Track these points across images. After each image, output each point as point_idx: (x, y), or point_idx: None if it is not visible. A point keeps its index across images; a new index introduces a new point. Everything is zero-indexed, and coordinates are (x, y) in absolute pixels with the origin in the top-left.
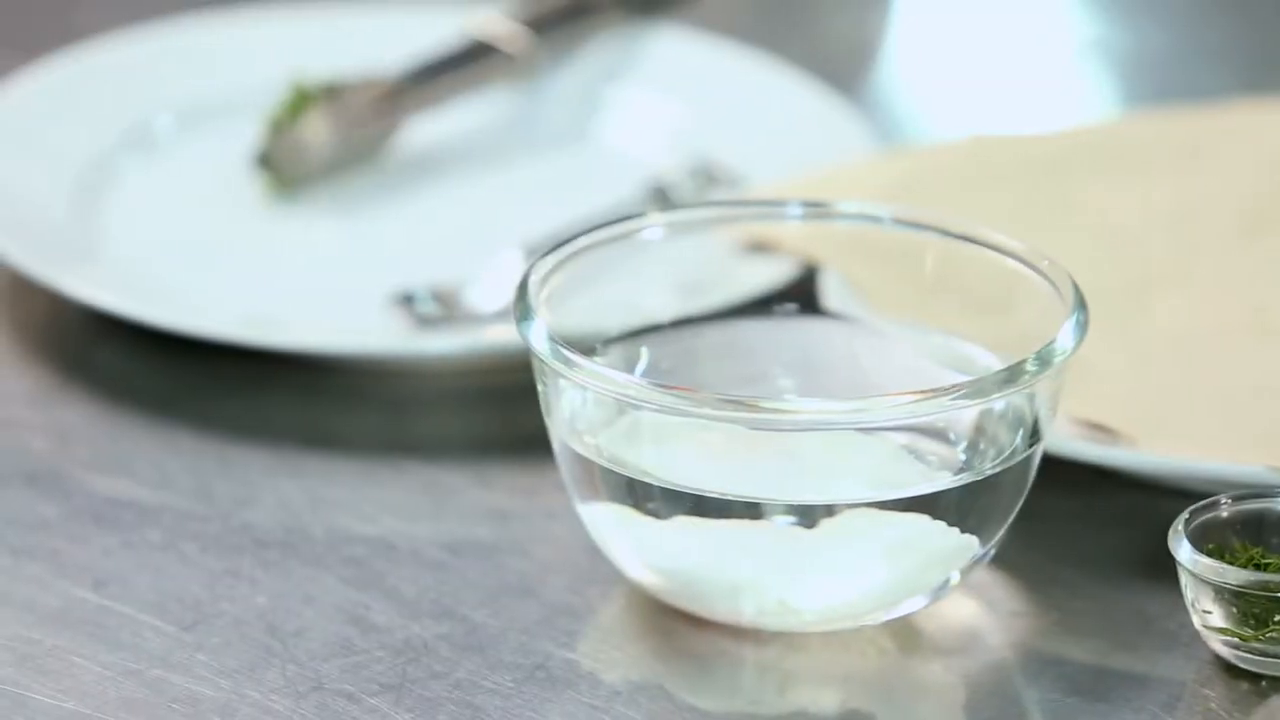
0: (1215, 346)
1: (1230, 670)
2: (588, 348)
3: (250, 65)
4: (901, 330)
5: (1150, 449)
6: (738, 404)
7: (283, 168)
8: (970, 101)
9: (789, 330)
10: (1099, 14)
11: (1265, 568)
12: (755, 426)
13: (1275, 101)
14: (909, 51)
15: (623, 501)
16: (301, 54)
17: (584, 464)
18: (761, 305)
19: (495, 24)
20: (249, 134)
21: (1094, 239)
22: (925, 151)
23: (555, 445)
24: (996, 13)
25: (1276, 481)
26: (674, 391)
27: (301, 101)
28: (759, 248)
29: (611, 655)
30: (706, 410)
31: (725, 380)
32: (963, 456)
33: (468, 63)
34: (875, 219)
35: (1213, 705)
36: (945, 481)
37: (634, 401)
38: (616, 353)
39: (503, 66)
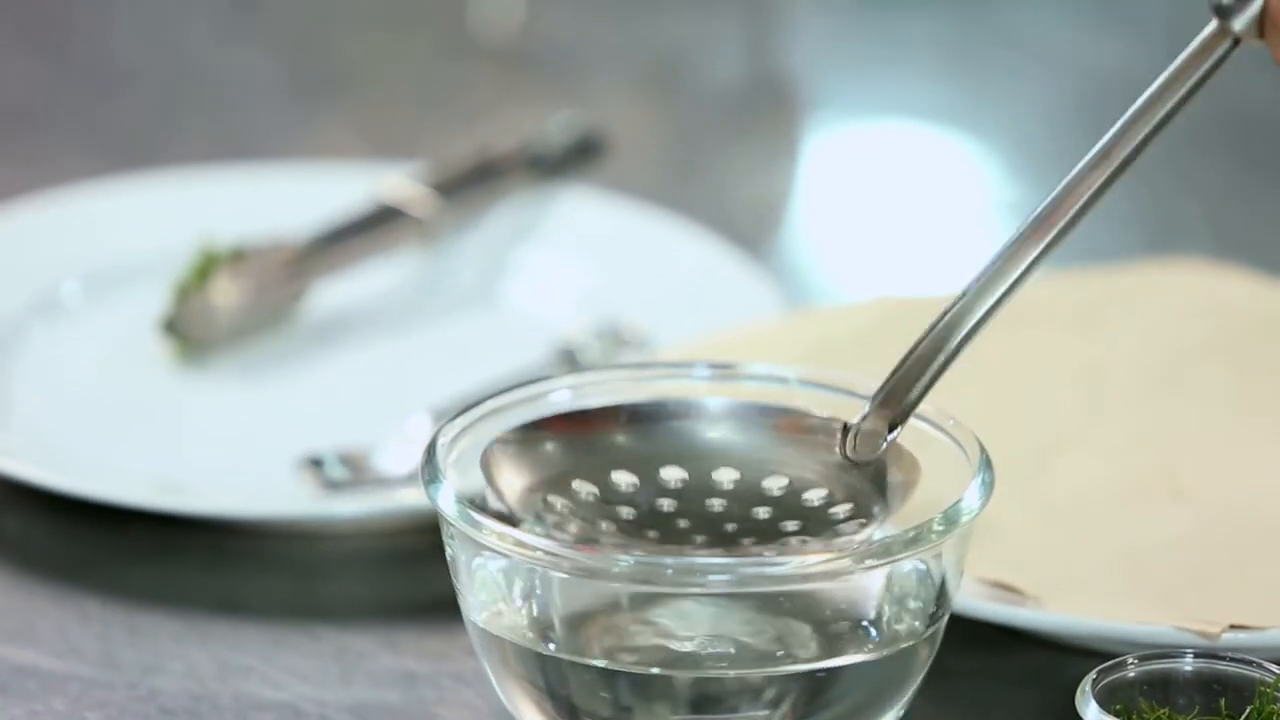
0: (1121, 506)
1: None
2: (496, 510)
3: (157, 230)
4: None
5: (1057, 609)
6: (644, 566)
7: (190, 332)
8: (880, 263)
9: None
10: (1006, 177)
11: None
12: (667, 589)
13: (1176, 263)
14: (818, 212)
15: (531, 668)
16: (208, 219)
17: (492, 635)
18: None
19: (402, 188)
20: (156, 299)
21: (1000, 398)
22: (834, 312)
23: (464, 611)
24: (908, 175)
25: (1183, 642)
26: (580, 553)
27: (209, 266)
28: None
29: None
30: (616, 571)
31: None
32: (870, 625)
33: (375, 226)
34: (782, 380)
35: None
36: (855, 657)
37: (541, 564)
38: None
39: (410, 230)
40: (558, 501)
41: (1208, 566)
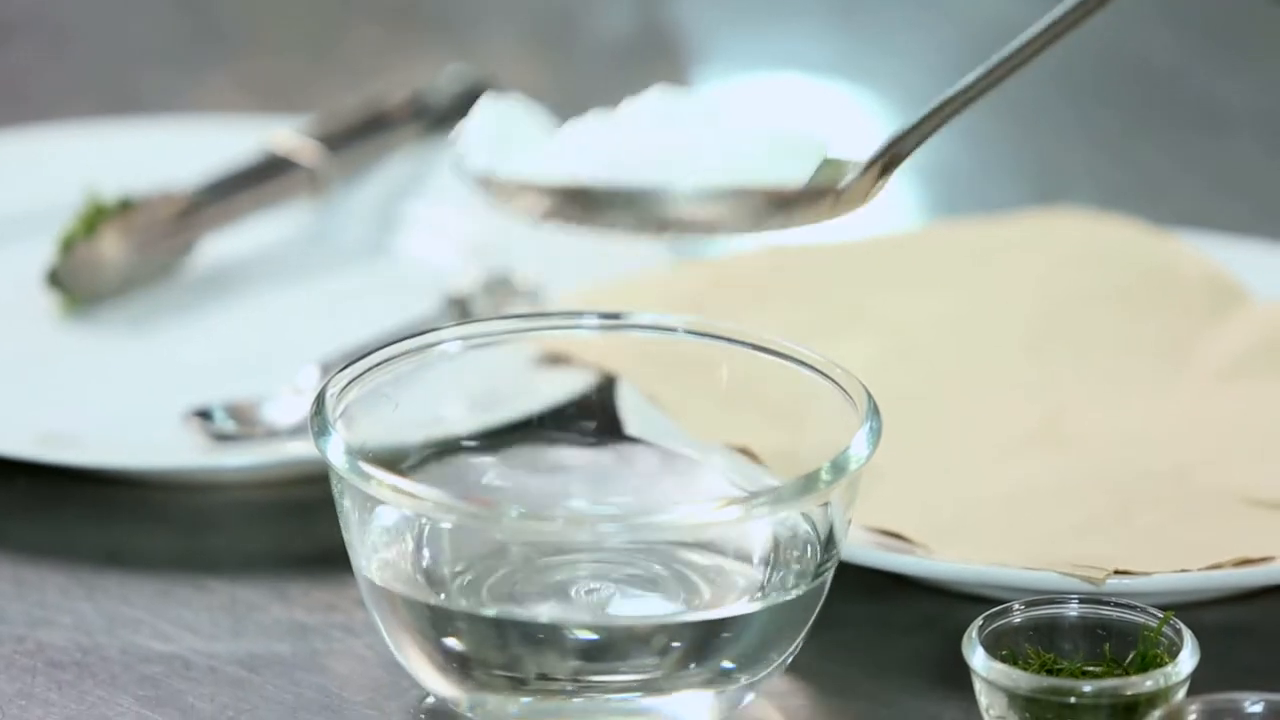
0: (1007, 453)
1: None
2: (385, 462)
3: (43, 182)
4: (702, 452)
5: (944, 557)
6: (534, 517)
7: (76, 285)
8: None
9: (588, 450)
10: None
11: (1057, 673)
12: (552, 540)
13: (1061, 213)
14: None
15: (421, 618)
16: (95, 171)
17: (381, 586)
18: (563, 424)
19: (291, 139)
20: (43, 251)
21: (888, 347)
22: (723, 261)
23: (354, 562)
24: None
25: (1068, 588)
26: (470, 505)
27: (96, 217)
28: (557, 360)
29: None
30: (502, 523)
31: (523, 498)
32: (760, 574)
33: (264, 178)
34: (669, 329)
35: None
36: (744, 606)
37: (430, 515)
38: (414, 467)
39: (299, 181)
40: None
41: (1093, 513)
